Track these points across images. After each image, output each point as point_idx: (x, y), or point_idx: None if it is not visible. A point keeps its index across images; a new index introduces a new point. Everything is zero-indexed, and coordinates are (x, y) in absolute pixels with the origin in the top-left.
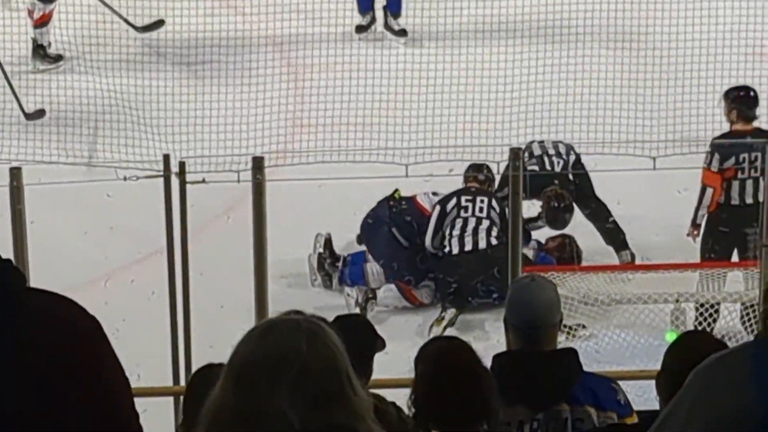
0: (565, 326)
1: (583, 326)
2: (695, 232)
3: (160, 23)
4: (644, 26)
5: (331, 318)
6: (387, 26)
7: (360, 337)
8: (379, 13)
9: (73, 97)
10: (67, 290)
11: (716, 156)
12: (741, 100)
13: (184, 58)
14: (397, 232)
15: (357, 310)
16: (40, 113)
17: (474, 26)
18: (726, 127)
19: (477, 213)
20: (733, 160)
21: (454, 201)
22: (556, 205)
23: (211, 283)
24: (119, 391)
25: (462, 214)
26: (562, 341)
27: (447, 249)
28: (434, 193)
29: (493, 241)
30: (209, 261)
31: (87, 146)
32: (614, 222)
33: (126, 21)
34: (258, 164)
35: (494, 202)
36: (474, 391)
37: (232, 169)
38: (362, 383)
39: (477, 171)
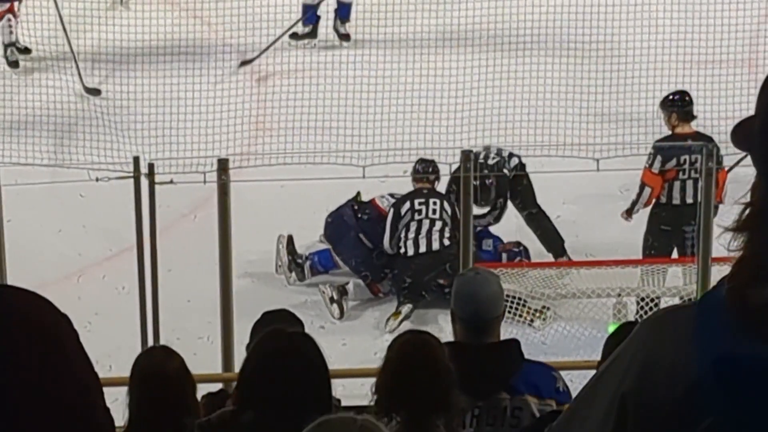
0: (531, 310)
1: (547, 308)
2: (627, 217)
3: (97, 92)
4: (588, 35)
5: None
6: (334, 28)
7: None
8: (330, 16)
9: (48, 102)
10: (41, 286)
11: (658, 158)
12: (676, 102)
13: (153, 65)
14: (362, 234)
15: (334, 307)
16: (97, 91)
17: (428, 35)
18: (666, 131)
19: (430, 215)
20: (674, 161)
21: (408, 205)
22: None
23: (178, 279)
24: (89, 386)
25: (416, 216)
26: (538, 324)
27: (402, 250)
28: (391, 195)
29: (446, 242)
30: (177, 258)
31: (61, 149)
32: (554, 229)
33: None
34: (223, 166)
35: (446, 204)
36: (433, 384)
37: (198, 170)
38: None
39: (425, 165)
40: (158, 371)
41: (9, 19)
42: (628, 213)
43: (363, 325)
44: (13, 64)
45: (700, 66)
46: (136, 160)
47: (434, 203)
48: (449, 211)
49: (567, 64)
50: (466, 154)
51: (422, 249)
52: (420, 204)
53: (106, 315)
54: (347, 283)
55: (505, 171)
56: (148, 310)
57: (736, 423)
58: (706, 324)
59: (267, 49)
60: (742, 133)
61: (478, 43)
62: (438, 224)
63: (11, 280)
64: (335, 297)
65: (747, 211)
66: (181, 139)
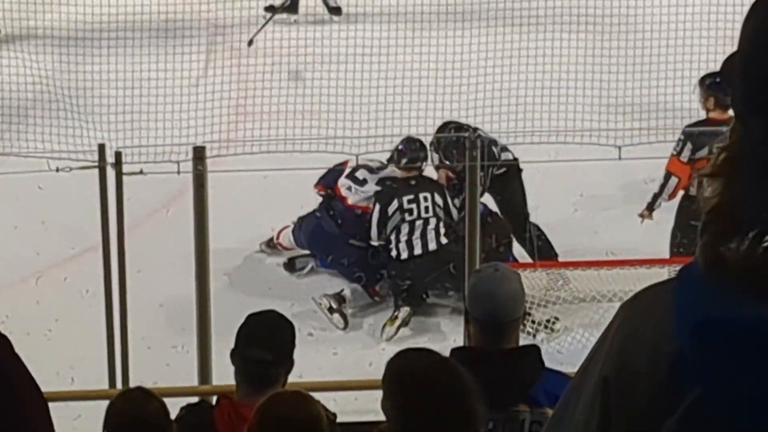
0: (534, 322)
1: (557, 318)
2: (648, 215)
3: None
4: (608, 8)
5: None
6: (324, 1)
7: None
8: None
9: (1, 83)
10: None
11: (688, 145)
12: (718, 86)
13: (120, 41)
14: (352, 239)
15: (335, 317)
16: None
17: (428, 8)
18: (698, 116)
19: (423, 214)
20: (706, 150)
21: (395, 203)
22: None
23: (149, 281)
24: (32, 411)
25: (407, 217)
26: (542, 338)
27: (395, 253)
28: (355, 180)
29: (443, 240)
30: (147, 257)
31: (16, 135)
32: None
33: None
34: (199, 154)
35: (437, 197)
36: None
37: (171, 159)
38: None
39: (412, 147)
40: (136, 416)
41: None
42: (649, 208)
43: (356, 333)
44: None
45: (735, 43)
46: (102, 147)
47: (425, 199)
48: (442, 204)
49: (585, 40)
50: (472, 142)
51: (417, 251)
52: (410, 202)
53: (68, 321)
54: (342, 290)
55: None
56: (115, 315)
57: (724, 391)
58: (685, 293)
59: (267, 23)
60: (726, 68)
61: (485, 17)
62: (432, 222)
63: None
64: (334, 306)
65: (722, 155)
66: (152, 125)
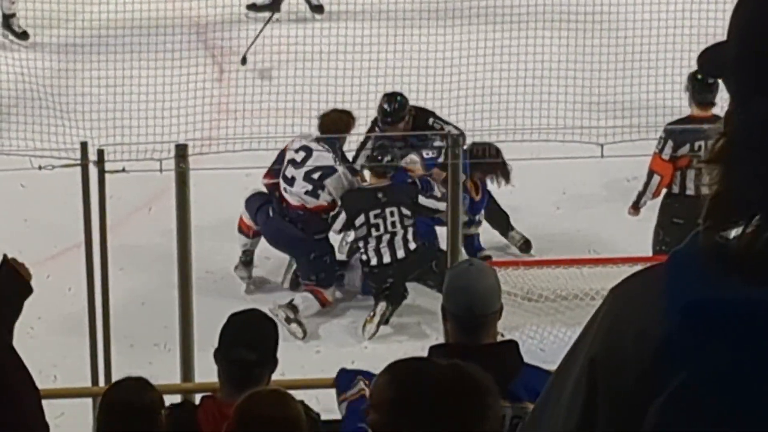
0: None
1: (303, 331)
2: (635, 213)
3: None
4: (591, 6)
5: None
6: (306, 0)
7: (263, 332)
8: None
9: None
10: None
11: (669, 143)
12: (696, 83)
13: (102, 39)
14: (297, 228)
15: (293, 326)
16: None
17: (410, 6)
18: (680, 113)
19: (390, 229)
20: (687, 147)
21: (362, 218)
22: None
23: (131, 279)
24: (26, 402)
25: (374, 232)
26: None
27: (365, 258)
28: (286, 180)
29: (411, 246)
30: (130, 256)
31: None
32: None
33: None
34: (181, 152)
35: (403, 209)
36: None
37: (153, 157)
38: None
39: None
40: (133, 405)
41: None
42: (635, 207)
43: (339, 331)
44: (23, 36)
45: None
46: (84, 145)
47: (391, 214)
48: (410, 214)
49: (567, 39)
50: (454, 139)
51: (386, 259)
52: (376, 217)
53: (51, 320)
54: (293, 300)
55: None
56: (98, 313)
57: (710, 374)
58: (677, 276)
59: (260, 32)
60: (711, 59)
61: (467, 15)
62: (400, 233)
63: None
64: (291, 316)
65: (721, 142)
66: (134, 123)
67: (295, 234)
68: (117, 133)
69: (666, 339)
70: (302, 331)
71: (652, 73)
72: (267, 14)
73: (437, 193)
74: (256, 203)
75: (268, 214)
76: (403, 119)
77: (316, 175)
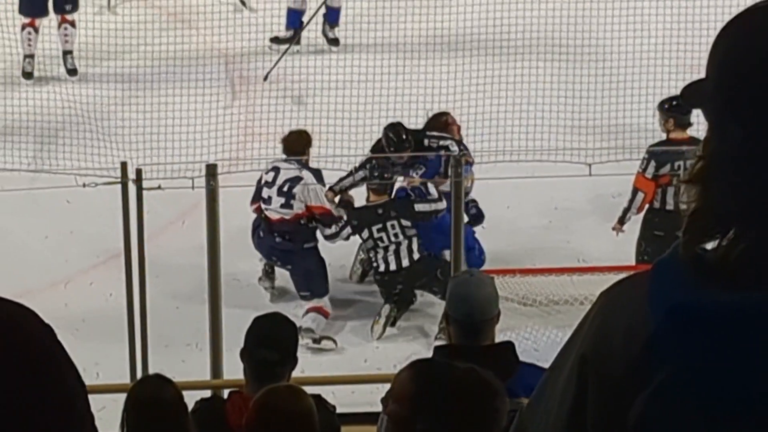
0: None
1: (334, 341)
2: (620, 228)
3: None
4: (579, 40)
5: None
6: (323, 33)
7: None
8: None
9: (33, 107)
10: (28, 293)
11: (652, 163)
12: (676, 108)
13: (140, 69)
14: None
15: (324, 343)
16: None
17: (417, 40)
18: (660, 136)
19: (393, 239)
20: (668, 167)
21: (366, 233)
22: None
23: (166, 285)
24: (73, 395)
25: (380, 244)
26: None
27: (375, 265)
28: (265, 201)
29: (416, 256)
30: (165, 264)
31: (47, 155)
32: None
33: None
34: (211, 171)
35: (403, 222)
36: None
37: (186, 176)
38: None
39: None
40: (154, 400)
41: (29, 33)
42: (620, 222)
43: (353, 333)
44: (27, 75)
45: (693, 71)
46: (124, 165)
47: (392, 227)
48: (409, 223)
49: (559, 68)
50: (456, 160)
51: (392, 267)
52: (379, 231)
53: (94, 322)
54: (303, 327)
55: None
56: (136, 317)
57: (692, 370)
58: (661, 282)
59: (282, 56)
60: (692, 93)
61: (468, 48)
62: (404, 243)
63: None
64: (315, 337)
65: (699, 164)
66: (169, 145)
67: (284, 247)
68: (153, 154)
69: (651, 338)
70: (332, 341)
71: (635, 100)
72: (287, 46)
73: (433, 194)
74: (252, 227)
75: (260, 235)
76: (409, 147)
77: (285, 188)
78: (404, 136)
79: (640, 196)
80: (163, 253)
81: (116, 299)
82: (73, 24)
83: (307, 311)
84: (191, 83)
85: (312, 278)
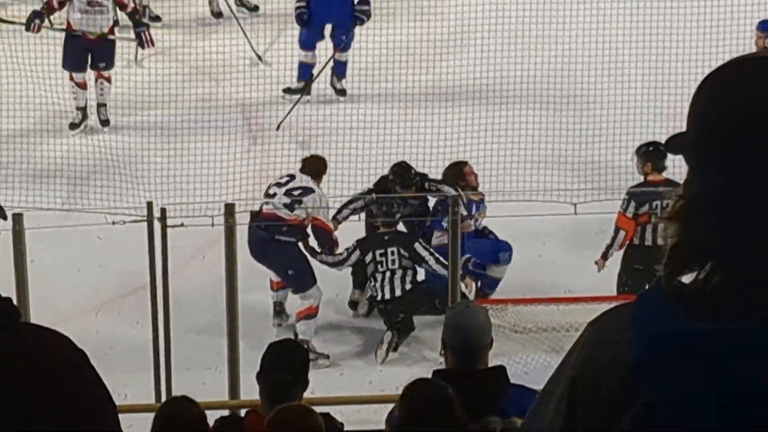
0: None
1: (327, 357)
2: (603, 263)
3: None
4: (567, 90)
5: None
6: (331, 84)
7: (296, 358)
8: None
9: (68, 152)
10: (62, 320)
11: (632, 203)
12: (653, 153)
13: (165, 117)
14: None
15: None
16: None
17: (417, 90)
18: (638, 178)
19: (389, 266)
20: (647, 206)
21: (370, 256)
22: None
23: (188, 314)
24: (105, 414)
25: (379, 268)
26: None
27: (374, 293)
28: (267, 195)
29: (407, 286)
30: (187, 295)
31: (80, 195)
32: None
33: None
34: (230, 210)
35: (402, 251)
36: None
37: (207, 214)
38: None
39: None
40: (181, 418)
41: (73, 87)
42: (603, 257)
43: (359, 356)
44: (72, 126)
45: (669, 119)
46: (150, 205)
47: (392, 253)
48: (408, 255)
49: (547, 116)
50: (454, 199)
51: (387, 296)
52: (381, 255)
53: (122, 347)
54: (299, 335)
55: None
56: (161, 343)
57: (673, 393)
58: (644, 311)
59: (294, 107)
60: (675, 143)
61: (464, 98)
62: (398, 273)
63: (35, 316)
64: (313, 357)
65: (680, 203)
66: (191, 186)
67: (263, 236)
68: (177, 195)
69: (635, 363)
70: (325, 357)
71: (617, 145)
72: (298, 96)
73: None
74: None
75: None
76: (414, 184)
77: (296, 192)
78: (411, 172)
79: (622, 233)
80: (185, 285)
81: (142, 327)
82: (108, 80)
83: (297, 317)
84: (211, 130)
85: (292, 271)
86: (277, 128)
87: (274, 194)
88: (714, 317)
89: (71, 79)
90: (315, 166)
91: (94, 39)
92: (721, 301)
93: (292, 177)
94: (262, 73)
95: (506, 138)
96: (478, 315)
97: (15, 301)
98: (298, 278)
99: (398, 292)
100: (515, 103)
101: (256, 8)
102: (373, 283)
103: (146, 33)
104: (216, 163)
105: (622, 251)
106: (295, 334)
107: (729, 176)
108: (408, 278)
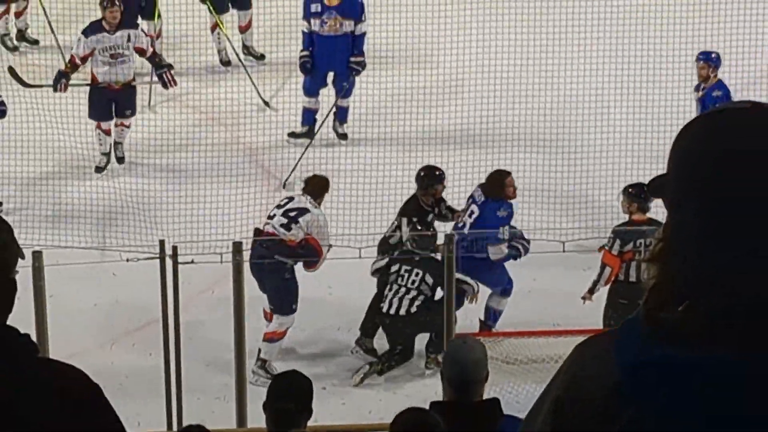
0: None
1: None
2: (590, 297)
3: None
4: (557, 133)
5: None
6: (334, 129)
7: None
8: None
9: (85, 193)
10: (80, 352)
11: (617, 241)
12: (636, 194)
13: (177, 160)
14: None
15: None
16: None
17: (416, 134)
18: (623, 218)
19: (408, 285)
20: (631, 244)
21: (396, 266)
22: None
23: (198, 347)
24: None
25: (399, 281)
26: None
27: (382, 305)
28: (269, 217)
29: (413, 309)
30: (197, 328)
31: (96, 233)
32: None
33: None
34: (237, 248)
35: (427, 276)
36: None
37: (216, 251)
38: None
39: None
40: None
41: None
42: (590, 292)
43: (359, 388)
44: (98, 170)
45: (653, 161)
46: (162, 243)
47: (416, 274)
48: (430, 283)
49: (537, 158)
50: (449, 237)
51: (392, 311)
52: (406, 271)
53: (136, 378)
54: (260, 355)
55: None
56: (172, 373)
57: (652, 412)
58: (625, 339)
59: (300, 159)
60: (655, 185)
61: (459, 141)
62: (412, 293)
63: (53, 348)
64: (268, 376)
65: (659, 245)
66: (201, 225)
67: (263, 254)
68: (188, 233)
69: (617, 386)
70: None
71: (603, 186)
72: (304, 140)
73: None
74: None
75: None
76: (441, 181)
77: (292, 213)
78: (436, 172)
79: (608, 270)
80: (195, 319)
81: (155, 358)
82: (128, 126)
83: (264, 336)
84: (220, 172)
85: (279, 295)
86: (284, 186)
87: (273, 215)
88: (688, 348)
89: (98, 127)
90: (317, 185)
91: (118, 88)
92: (697, 333)
93: (290, 198)
94: (268, 119)
95: None
96: (475, 349)
97: (35, 335)
98: (282, 299)
99: (403, 312)
100: (508, 146)
101: (262, 57)
102: (386, 294)
103: (168, 74)
104: (225, 203)
105: (608, 287)
106: (261, 360)
107: (705, 218)
108: (417, 302)
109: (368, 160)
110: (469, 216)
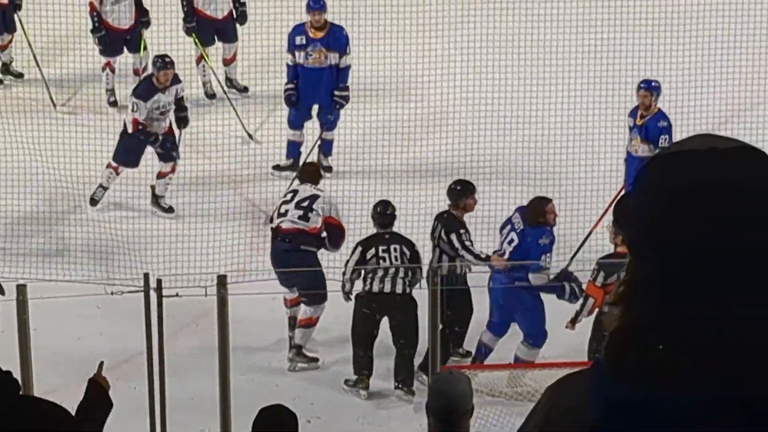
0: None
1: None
2: (572, 327)
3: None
4: (539, 166)
5: None
6: (318, 161)
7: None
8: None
9: (70, 227)
10: (63, 386)
11: (601, 273)
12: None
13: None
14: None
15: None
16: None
17: (399, 167)
18: (608, 250)
19: (393, 262)
20: (615, 276)
21: (372, 251)
22: None
23: (182, 380)
24: None
25: (381, 263)
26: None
27: (368, 287)
28: (279, 214)
29: (398, 289)
30: (181, 361)
31: (80, 267)
32: None
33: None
34: (222, 281)
35: (404, 248)
36: None
37: (200, 285)
38: None
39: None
40: None
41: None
42: (572, 321)
43: (346, 417)
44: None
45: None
46: (146, 276)
47: (395, 249)
48: (408, 254)
49: (521, 190)
50: (434, 270)
51: (387, 289)
52: (383, 252)
53: (120, 412)
54: (292, 342)
55: None
56: (156, 406)
57: None
58: (598, 380)
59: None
60: (621, 214)
61: (443, 173)
62: (401, 271)
63: (37, 383)
64: (304, 363)
65: (621, 288)
66: (185, 258)
67: (284, 247)
68: (172, 266)
69: (595, 423)
70: (314, 361)
71: (585, 219)
72: (289, 173)
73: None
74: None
75: (272, 249)
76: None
77: (305, 203)
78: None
79: (591, 301)
80: (179, 352)
81: (140, 391)
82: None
83: (298, 323)
84: (204, 205)
85: (312, 286)
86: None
87: (286, 211)
88: (648, 388)
89: (115, 169)
90: (312, 172)
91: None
92: (656, 375)
93: (295, 191)
94: (253, 151)
95: (482, 211)
96: (461, 382)
97: (18, 369)
98: (315, 289)
99: (388, 287)
100: (490, 179)
101: (245, 89)
102: (371, 278)
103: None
104: (209, 236)
105: (592, 319)
106: (297, 346)
107: (659, 266)
108: (407, 281)
109: (353, 193)
110: (509, 244)
